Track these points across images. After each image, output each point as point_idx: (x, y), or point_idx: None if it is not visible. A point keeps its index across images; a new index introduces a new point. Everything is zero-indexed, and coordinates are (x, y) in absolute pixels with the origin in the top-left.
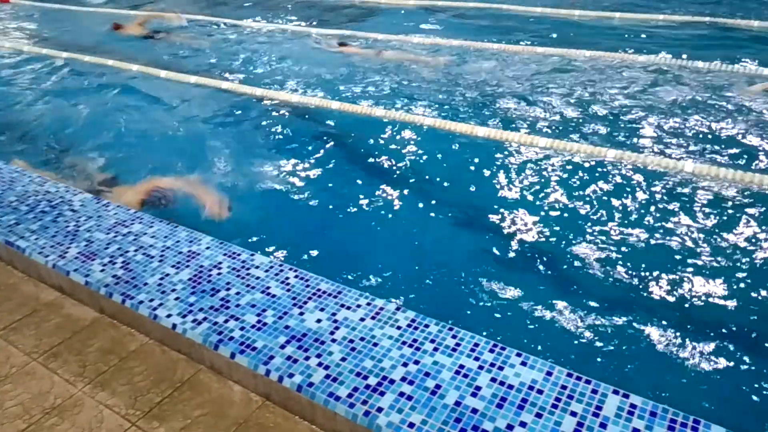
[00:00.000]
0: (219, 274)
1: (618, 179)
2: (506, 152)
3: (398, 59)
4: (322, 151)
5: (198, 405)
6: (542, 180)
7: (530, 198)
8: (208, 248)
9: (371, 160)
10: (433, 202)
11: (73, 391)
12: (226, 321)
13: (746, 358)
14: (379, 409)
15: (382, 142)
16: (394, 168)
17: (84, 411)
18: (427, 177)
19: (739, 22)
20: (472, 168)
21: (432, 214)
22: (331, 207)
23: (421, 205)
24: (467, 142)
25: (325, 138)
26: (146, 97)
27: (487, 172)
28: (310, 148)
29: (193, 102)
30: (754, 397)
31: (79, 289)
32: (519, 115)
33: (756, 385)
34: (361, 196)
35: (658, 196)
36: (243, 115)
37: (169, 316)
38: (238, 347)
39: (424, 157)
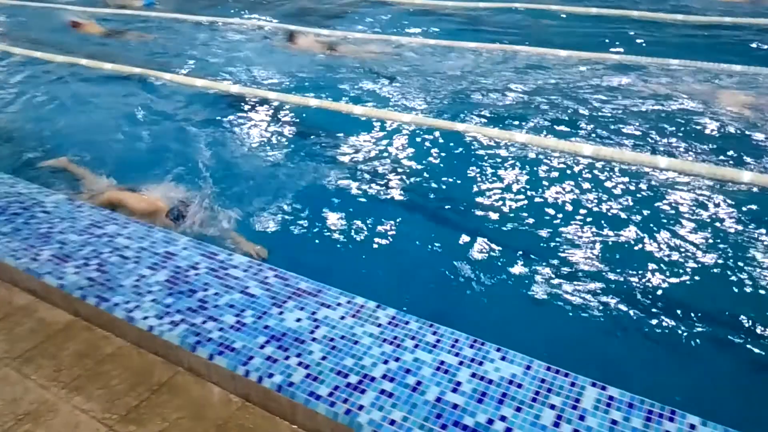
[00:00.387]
0: (196, 274)
1: (593, 175)
2: (483, 148)
3: (352, 53)
4: (294, 147)
5: (176, 407)
6: (518, 176)
7: (507, 193)
8: (185, 249)
9: (341, 155)
10: (410, 198)
11: (48, 396)
12: (204, 322)
13: (719, 348)
14: (360, 407)
15: (356, 138)
16: (366, 164)
17: (59, 416)
18: (400, 173)
19: (715, 19)
20: (448, 163)
21: (410, 211)
22: (304, 205)
23: (397, 201)
24: (443, 138)
25: (297, 134)
26: (108, 95)
27: (463, 168)
28: (283, 144)
29: (161, 100)
30: (728, 386)
31: (53, 292)
32: (495, 111)
33: (729, 373)
34: (334, 193)
35: (632, 191)
36: (207, 111)
37: (145, 318)
38: (216, 348)
39: (398, 153)
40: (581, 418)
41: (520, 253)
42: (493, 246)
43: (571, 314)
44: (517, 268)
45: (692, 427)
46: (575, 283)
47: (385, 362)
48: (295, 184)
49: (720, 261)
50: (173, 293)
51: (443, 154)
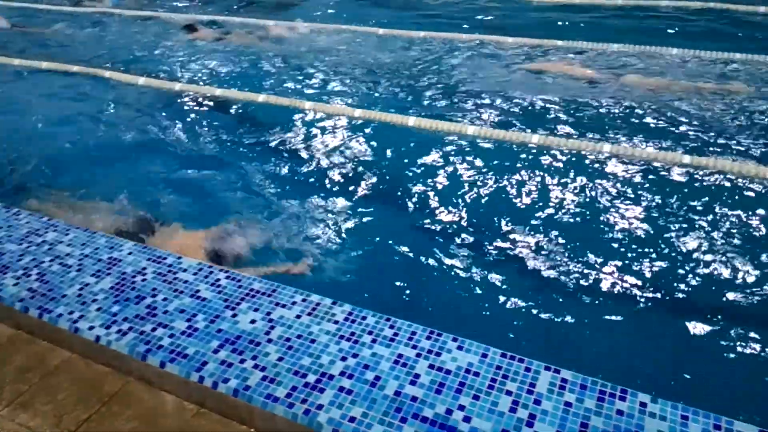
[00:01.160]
0: (143, 280)
1: (542, 163)
2: (436, 142)
3: (246, 42)
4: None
5: (129, 418)
6: (469, 167)
7: (458, 184)
8: (130, 254)
9: (287, 149)
10: (361, 191)
11: None
12: (154, 329)
13: (668, 328)
14: (319, 407)
15: (305, 132)
16: (310, 156)
17: None
18: (350, 166)
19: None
20: (397, 157)
21: (362, 204)
22: (253, 201)
23: (350, 194)
24: (390, 132)
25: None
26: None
27: (413, 161)
28: (225, 140)
29: (81, 95)
30: (676, 364)
31: None
32: (442, 103)
33: (677, 352)
34: (278, 185)
35: (581, 177)
36: (123, 104)
37: (91, 328)
38: (167, 356)
39: (343, 146)
40: (537, 402)
41: (473, 240)
42: (445, 235)
43: (524, 299)
44: (472, 255)
45: (643, 404)
46: (525, 267)
47: (343, 359)
48: (247, 183)
49: (667, 241)
50: (119, 301)
51: (389, 148)
